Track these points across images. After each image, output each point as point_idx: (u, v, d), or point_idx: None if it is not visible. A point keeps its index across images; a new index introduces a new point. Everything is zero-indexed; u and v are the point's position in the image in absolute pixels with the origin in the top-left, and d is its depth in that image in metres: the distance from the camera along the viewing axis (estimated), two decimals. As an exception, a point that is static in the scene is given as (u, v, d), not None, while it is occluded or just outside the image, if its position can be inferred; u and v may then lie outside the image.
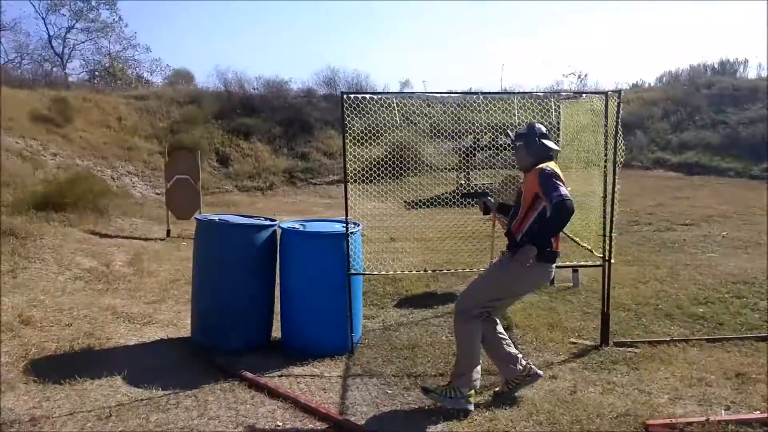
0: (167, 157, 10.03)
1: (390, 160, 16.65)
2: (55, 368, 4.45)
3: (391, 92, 5.47)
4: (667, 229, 10.47)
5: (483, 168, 15.81)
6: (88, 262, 7.73)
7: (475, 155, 14.51)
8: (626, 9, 55.25)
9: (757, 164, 15.47)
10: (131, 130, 17.43)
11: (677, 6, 52.97)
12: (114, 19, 29.31)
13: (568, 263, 5.67)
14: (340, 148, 17.67)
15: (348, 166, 5.09)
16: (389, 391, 4.31)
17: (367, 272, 5.51)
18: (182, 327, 5.64)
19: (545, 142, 4.10)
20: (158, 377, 4.41)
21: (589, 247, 5.68)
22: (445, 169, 16.85)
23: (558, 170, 3.95)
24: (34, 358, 4.60)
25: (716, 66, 22.16)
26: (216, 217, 5.11)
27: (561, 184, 3.82)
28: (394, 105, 5.40)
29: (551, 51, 50.50)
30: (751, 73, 21.79)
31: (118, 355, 4.87)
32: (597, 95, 5.31)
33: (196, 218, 5.09)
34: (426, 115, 19.76)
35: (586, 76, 22.90)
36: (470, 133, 16.71)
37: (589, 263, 5.46)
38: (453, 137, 18.44)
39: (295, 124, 18.54)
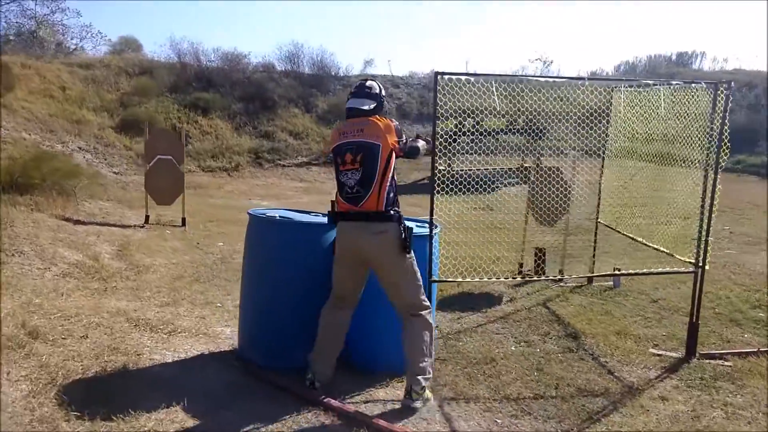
0: (147, 135, 9.01)
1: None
2: (94, 396, 3.65)
3: (490, 74, 4.83)
4: (667, 223, 10.29)
5: (466, 153, 15.37)
6: (72, 255, 6.77)
7: (456, 140, 13.98)
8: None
9: (728, 156, 15.60)
10: (77, 102, 16.01)
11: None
12: (43, -21, 26.96)
13: (652, 270, 5.23)
14: (306, 128, 16.95)
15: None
16: (498, 421, 3.76)
17: (450, 279, 4.90)
18: (216, 337, 4.90)
19: (348, 100, 4.04)
20: (224, 406, 3.71)
21: (666, 250, 5.29)
22: (419, 153, 16.29)
23: (338, 128, 3.99)
24: (64, 384, 3.78)
25: (673, 57, 22.44)
26: (275, 214, 4.37)
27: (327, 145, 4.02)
28: (494, 89, 4.78)
29: (512, 36, 50.23)
30: (706, 66, 22.19)
31: (161, 376, 4.09)
32: (704, 85, 4.85)
33: (250, 214, 4.34)
34: (391, 96, 19.12)
35: (551, 62, 22.81)
36: (452, 117, 16.22)
37: (682, 270, 5.04)
38: (421, 120, 17.94)
39: (256, 100, 17.50)
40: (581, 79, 5.35)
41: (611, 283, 6.68)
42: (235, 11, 46.45)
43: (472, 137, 14.41)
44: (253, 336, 4.39)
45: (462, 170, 13.76)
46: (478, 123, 14.54)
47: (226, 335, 4.96)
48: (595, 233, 6.73)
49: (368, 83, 3.99)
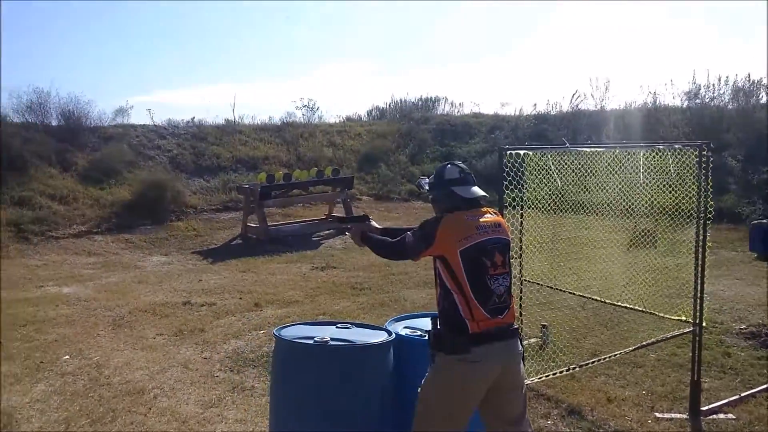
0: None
1: (144, 201, 14.22)
2: None
3: (548, 146, 4.52)
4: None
5: (280, 207, 14.47)
6: None
7: (270, 195, 13.14)
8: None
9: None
10: None
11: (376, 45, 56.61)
12: None
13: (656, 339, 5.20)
14: (71, 190, 14.50)
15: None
16: None
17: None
18: None
19: (456, 189, 3.24)
20: None
21: (640, 308, 5.37)
22: (214, 209, 14.98)
23: (467, 219, 3.12)
24: None
25: (417, 102, 24.21)
26: (328, 336, 3.33)
27: (423, 236, 3.10)
28: (551, 163, 4.38)
29: (278, 81, 48.88)
30: (447, 110, 24.29)
31: None
32: (690, 147, 4.98)
33: (279, 337, 3.27)
34: (160, 148, 17.39)
35: (318, 108, 22.94)
36: (262, 171, 15.15)
37: (680, 332, 5.12)
38: (200, 173, 16.54)
39: (-3, 161, 14.43)
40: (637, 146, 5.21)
41: (538, 339, 6.66)
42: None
43: (283, 190, 13.68)
44: None
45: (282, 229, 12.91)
46: (288, 176, 13.87)
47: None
48: (521, 291, 6.64)
49: (467, 167, 3.39)
